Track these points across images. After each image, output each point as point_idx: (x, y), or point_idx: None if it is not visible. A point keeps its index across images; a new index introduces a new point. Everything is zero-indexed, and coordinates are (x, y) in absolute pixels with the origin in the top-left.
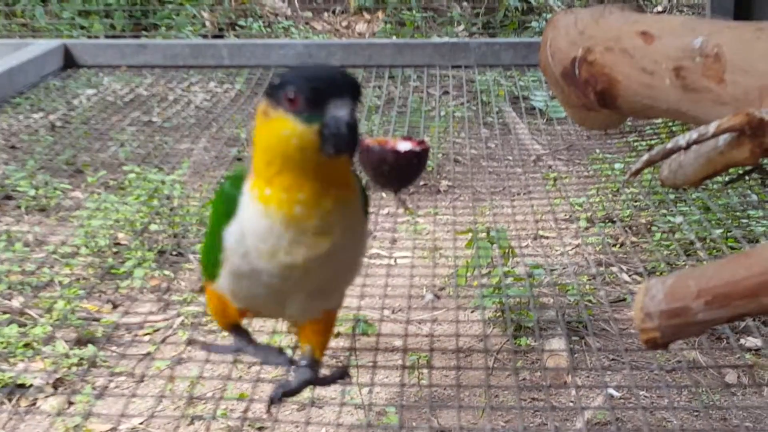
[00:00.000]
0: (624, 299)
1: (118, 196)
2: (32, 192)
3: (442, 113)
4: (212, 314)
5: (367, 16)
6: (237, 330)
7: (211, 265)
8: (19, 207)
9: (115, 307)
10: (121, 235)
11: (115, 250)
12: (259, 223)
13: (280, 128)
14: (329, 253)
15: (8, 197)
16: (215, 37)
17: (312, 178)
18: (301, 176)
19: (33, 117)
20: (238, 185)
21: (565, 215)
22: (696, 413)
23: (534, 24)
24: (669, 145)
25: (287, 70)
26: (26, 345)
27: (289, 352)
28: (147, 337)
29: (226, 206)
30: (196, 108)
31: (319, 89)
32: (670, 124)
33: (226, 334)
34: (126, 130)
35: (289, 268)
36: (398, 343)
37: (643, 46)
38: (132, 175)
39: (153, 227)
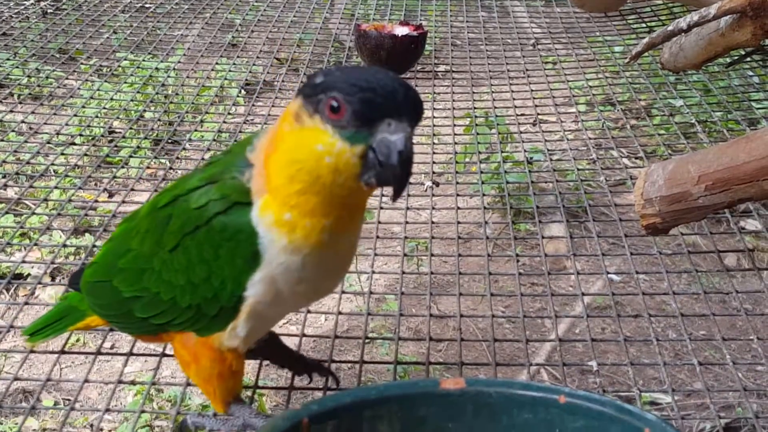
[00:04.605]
0: (624, 183)
1: (112, 83)
2: (25, 80)
3: None
4: (208, 390)
5: None
6: (238, 401)
7: (208, 318)
8: (11, 95)
9: (111, 195)
10: (116, 124)
11: (110, 138)
12: (290, 261)
13: (313, 140)
14: (348, 262)
15: (0, 85)
16: None
17: (339, 205)
18: (328, 201)
19: (24, 4)
20: (243, 212)
21: (564, 99)
22: (695, 296)
23: None
24: (670, 28)
25: (334, 69)
26: (23, 235)
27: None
28: None
29: (243, 250)
30: None
31: (373, 103)
32: (671, 5)
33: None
34: (119, 16)
35: (317, 285)
36: (397, 230)
37: None
38: (126, 62)
39: (148, 115)
